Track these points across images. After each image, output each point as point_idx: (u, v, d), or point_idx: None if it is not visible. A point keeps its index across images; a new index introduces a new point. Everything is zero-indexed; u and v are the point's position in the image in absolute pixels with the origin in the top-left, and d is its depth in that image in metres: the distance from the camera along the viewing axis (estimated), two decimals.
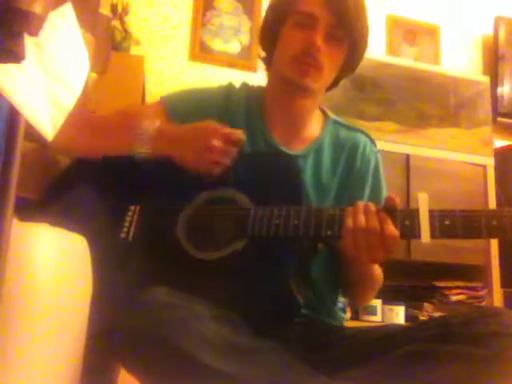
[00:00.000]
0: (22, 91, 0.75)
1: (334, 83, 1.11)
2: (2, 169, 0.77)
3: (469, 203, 2.58)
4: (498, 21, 3.21)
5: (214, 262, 0.90)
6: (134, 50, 2.54)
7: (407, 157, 2.58)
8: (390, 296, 2.34)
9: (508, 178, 2.79)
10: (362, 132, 1.15)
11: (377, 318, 2.40)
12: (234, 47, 2.89)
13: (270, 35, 1.08)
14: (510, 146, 2.99)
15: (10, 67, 0.70)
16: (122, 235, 0.98)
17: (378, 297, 2.29)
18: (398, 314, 2.41)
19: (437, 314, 2.37)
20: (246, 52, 2.89)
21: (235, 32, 2.90)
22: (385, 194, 1.10)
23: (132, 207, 1.01)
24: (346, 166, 1.09)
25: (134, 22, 2.66)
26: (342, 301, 1.11)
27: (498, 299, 2.53)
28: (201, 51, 2.83)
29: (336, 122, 1.15)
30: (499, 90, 3.11)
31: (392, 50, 3.14)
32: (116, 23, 2.39)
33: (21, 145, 0.80)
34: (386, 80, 2.68)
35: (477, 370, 0.72)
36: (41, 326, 0.78)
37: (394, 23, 3.19)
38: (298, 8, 1.02)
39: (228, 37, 2.89)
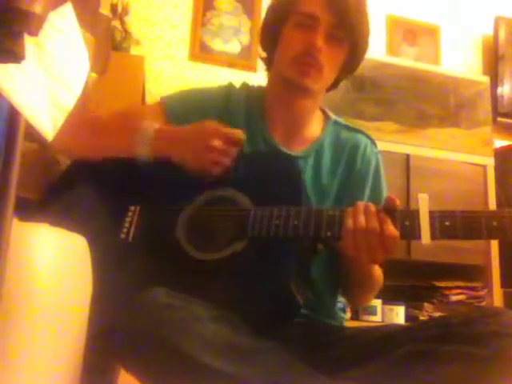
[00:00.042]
0: (21, 91, 0.75)
1: (335, 84, 1.10)
2: (2, 169, 0.77)
3: (469, 203, 2.58)
4: (497, 21, 3.21)
5: (214, 263, 0.90)
6: (134, 50, 2.53)
7: (407, 157, 2.58)
8: (390, 296, 2.34)
9: (508, 178, 2.79)
10: (363, 133, 1.15)
11: (377, 318, 2.40)
12: (234, 47, 2.89)
13: (270, 35, 1.08)
14: (510, 146, 2.99)
15: (9, 67, 0.70)
16: (122, 235, 0.98)
17: (377, 297, 2.29)
18: (398, 314, 2.41)
19: (437, 314, 2.37)
20: (246, 52, 2.89)
21: (235, 32, 2.90)
22: (385, 194, 1.10)
23: (132, 207, 1.01)
24: (347, 167, 1.09)
25: (134, 22, 2.66)
26: (341, 301, 1.11)
27: (498, 299, 2.53)
28: (201, 51, 2.83)
29: (336, 123, 1.15)
30: (499, 89, 3.11)
31: (392, 50, 3.14)
32: (116, 23, 2.39)
33: (21, 145, 0.80)
34: (386, 80, 2.68)
35: (477, 370, 0.72)
36: (41, 326, 0.78)
37: (394, 23, 3.19)
38: (298, 8, 1.01)
39: (228, 37, 2.89)
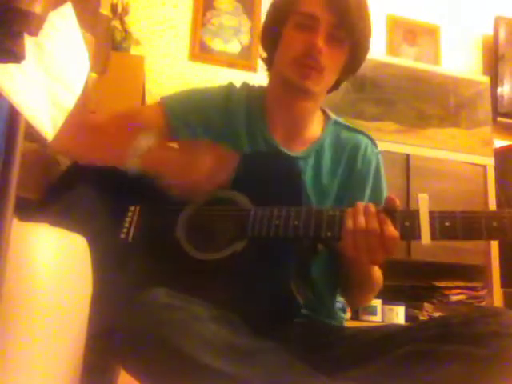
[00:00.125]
0: (22, 91, 0.75)
1: (336, 85, 1.10)
2: (2, 169, 0.77)
3: (469, 203, 2.58)
4: (497, 21, 3.21)
5: (214, 263, 0.90)
6: (134, 50, 2.54)
7: (407, 157, 2.58)
8: (390, 296, 2.34)
9: (508, 178, 2.79)
10: (363, 133, 1.14)
11: (377, 318, 2.40)
12: (233, 47, 2.89)
13: (271, 36, 1.08)
14: (510, 146, 2.99)
15: (9, 67, 0.70)
16: (122, 236, 0.98)
17: (377, 297, 2.29)
18: (398, 314, 2.41)
19: (437, 314, 2.37)
20: (246, 52, 2.89)
21: (235, 32, 2.90)
22: (385, 194, 1.10)
23: (132, 208, 1.02)
24: (347, 168, 1.09)
25: (133, 22, 2.66)
26: (340, 300, 1.11)
27: (498, 299, 2.53)
28: (201, 51, 2.83)
29: (337, 123, 1.14)
30: (499, 89, 3.11)
31: (392, 50, 3.14)
32: (116, 23, 2.39)
33: (21, 145, 0.80)
34: (386, 80, 2.68)
35: (477, 370, 0.72)
36: (41, 326, 0.78)
37: (394, 23, 3.19)
38: (299, 8, 1.01)
39: (228, 37, 2.89)
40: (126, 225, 0.99)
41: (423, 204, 0.81)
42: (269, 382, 0.72)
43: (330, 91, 1.11)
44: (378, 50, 2.96)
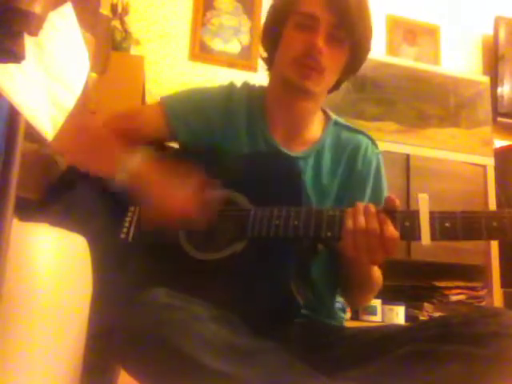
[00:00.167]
0: (21, 91, 0.75)
1: (337, 85, 1.10)
2: (2, 169, 0.77)
3: (469, 203, 2.58)
4: (497, 21, 3.21)
5: (214, 263, 0.90)
6: (134, 50, 2.54)
7: (407, 157, 2.58)
8: (390, 296, 2.34)
9: (508, 178, 2.79)
10: (364, 133, 1.14)
11: (377, 318, 2.40)
12: (233, 47, 2.89)
13: (271, 36, 1.07)
14: (510, 146, 2.99)
15: (9, 67, 0.70)
16: (122, 236, 0.99)
17: (377, 297, 2.29)
18: (398, 314, 2.41)
19: (437, 314, 2.37)
20: (246, 52, 2.89)
21: (235, 32, 2.90)
22: (385, 194, 1.10)
23: (132, 208, 1.01)
24: (347, 168, 1.09)
25: (134, 22, 2.66)
26: (340, 300, 1.11)
27: (498, 299, 2.53)
28: (201, 51, 2.83)
29: (337, 123, 1.14)
30: (499, 89, 3.11)
31: (392, 50, 3.14)
32: (116, 23, 2.39)
33: (21, 145, 0.80)
34: (386, 80, 2.68)
35: (477, 370, 0.72)
36: (41, 326, 0.78)
37: (394, 23, 3.19)
38: (299, 9, 1.01)
39: (228, 37, 2.89)
40: (126, 225, 0.99)
41: (423, 204, 0.81)
42: (269, 382, 0.72)
43: (330, 91, 1.11)
44: (378, 50, 2.95)
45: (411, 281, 2.56)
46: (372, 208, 0.83)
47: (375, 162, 1.11)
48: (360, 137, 1.13)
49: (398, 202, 0.83)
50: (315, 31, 0.98)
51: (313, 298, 0.99)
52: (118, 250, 0.98)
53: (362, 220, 0.82)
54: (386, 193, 1.11)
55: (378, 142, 1.16)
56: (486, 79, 2.90)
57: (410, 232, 0.81)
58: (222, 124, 1.08)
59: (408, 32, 3.21)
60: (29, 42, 0.69)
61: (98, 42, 1.15)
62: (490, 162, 2.70)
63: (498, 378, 0.73)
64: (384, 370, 0.77)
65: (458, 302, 2.49)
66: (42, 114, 0.84)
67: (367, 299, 1.13)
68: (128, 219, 1.00)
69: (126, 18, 2.46)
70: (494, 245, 2.57)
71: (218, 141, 1.07)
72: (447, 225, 0.79)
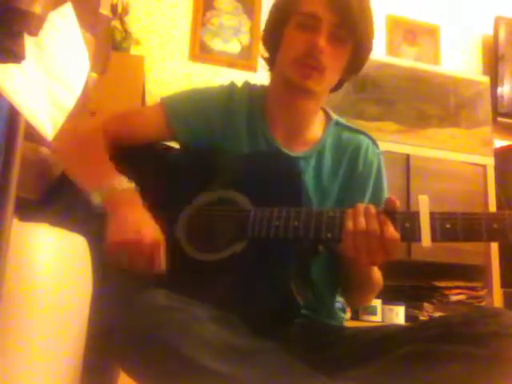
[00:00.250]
0: (21, 91, 0.75)
1: (338, 85, 1.10)
2: (2, 169, 0.77)
3: (469, 203, 2.58)
4: (497, 21, 3.21)
5: (214, 264, 0.90)
6: (134, 50, 2.54)
7: (407, 157, 2.58)
8: (390, 296, 2.34)
9: (508, 178, 2.79)
10: (365, 134, 1.14)
11: (377, 318, 2.40)
12: (233, 47, 2.89)
13: (273, 36, 1.07)
14: (510, 146, 2.99)
15: (9, 67, 0.70)
16: None
17: (377, 297, 2.29)
18: (398, 314, 2.41)
19: (437, 314, 2.37)
20: (246, 52, 2.89)
21: (235, 32, 2.90)
22: (386, 194, 1.10)
23: None
24: (348, 168, 1.09)
25: (134, 22, 2.66)
26: (340, 300, 1.11)
27: (498, 299, 2.53)
28: (201, 51, 2.83)
29: (338, 124, 1.14)
30: (499, 89, 3.11)
31: (392, 50, 3.14)
32: (116, 23, 2.39)
33: (21, 145, 0.80)
34: (386, 80, 2.68)
35: (477, 370, 0.72)
36: (41, 325, 0.78)
37: (394, 23, 3.19)
38: (300, 9, 1.01)
39: (228, 37, 2.89)
40: None
41: (423, 205, 0.81)
42: (268, 383, 0.71)
43: (332, 91, 1.10)
44: (378, 50, 2.95)
45: (411, 281, 2.56)
46: (372, 209, 0.83)
47: (376, 162, 1.11)
48: (361, 137, 1.12)
49: (398, 204, 0.83)
50: (317, 31, 0.98)
51: (313, 299, 0.99)
52: None
53: (362, 221, 0.82)
54: (386, 193, 1.11)
55: (378, 142, 1.16)
56: (486, 79, 2.90)
57: (410, 233, 0.81)
58: (222, 124, 1.08)
59: (408, 32, 3.21)
60: (29, 41, 0.69)
61: (98, 42, 1.15)
62: (490, 161, 2.70)
63: (498, 378, 0.73)
64: (384, 369, 0.77)
65: (458, 301, 2.49)
66: (42, 114, 0.84)
67: (367, 299, 1.13)
68: None
69: (126, 18, 2.46)
70: (494, 245, 2.57)
71: (219, 141, 1.07)
72: (447, 226, 0.79)
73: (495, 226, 0.77)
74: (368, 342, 0.89)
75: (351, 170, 1.09)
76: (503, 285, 2.56)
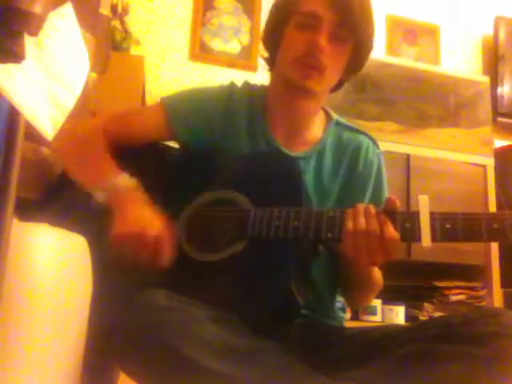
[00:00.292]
0: (21, 91, 0.75)
1: (339, 85, 1.09)
2: (2, 169, 0.77)
3: (469, 203, 2.58)
4: (497, 21, 3.21)
5: (214, 264, 0.90)
6: (134, 50, 2.54)
7: (407, 157, 2.58)
8: (390, 296, 2.34)
9: (508, 178, 2.79)
10: (365, 134, 1.14)
11: (377, 318, 2.40)
12: (234, 47, 2.89)
13: (273, 35, 1.07)
14: (510, 146, 2.99)
15: (9, 67, 0.70)
16: None
17: (378, 297, 2.29)
18: (398, 314, 2.41)
19: (437, 314, 2.37)
20: (246, 52, 2.89)
21: (235, 32, 2.90)
22: (386, 194, 1.10)
23: None
24: (349, 168, 1.09)
25: (134, 22, 2.66)
26: (340, 300, 1.11)
27: (498, 299, 2.53)
28: (201, 51, 2.83)
29: (339, 123, 1.14)
30: (499, 89, 3.11)
31: (392, 50, 3.14)
32: (116, 23, 2.39)
33: (21, 145, 0.80)
34: (386, 80, 2.68)
35: (477, 370, 0.72)
36: (41, 325, 0.78)
37: (394, 23, 3.19)
38: (301, 8, 1.00)
39: (228, 37, 2.89)
40: None
41: (423, 205, 0.81)
42: (268, 383, 0.71)
43: (332, 91, 1.10)
44: (378, 50, 2.95)
45: (411, 281, 2.56)
46: (372, 209, 0.83)
47: (376, 162, 1.11)
48: (361, 137, 1.12)
49: (398, 204, 0.83)
50: (317, 31, 0.98)
51: (313, 298, 0.99)
52: None
53: (362, 221, 0.82)
54: (386, 193, 1.11)
55: (378, 142, 1.16)
56: (486, 79, 2.90)
57: (410, 233, 0.81)
58: (222, 124, 1.08)
59: (408, 32, 3.21)
60: (29, 41, 0.69)
61: (98, 42, 1.15)
62: (490, 162, 2.70)
63: (498, 378, 0.73)
64: (384, 369, 0.77)
65: (458, 301, 2.49)
66: (42, 114, 0.84)
67: (368, 300, 1.13)
68: None
69: (126, 18, 2.46)
70: (494, 245, 2.57)
71: (219, 141, 1.07)
72: (448, 226, 0.79)
73: (495, 226, 0.77)
74: (368, 342, 0.89)
75: (351, 170, 1.09)
76: (503, 285, 2.56)
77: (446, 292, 2.49)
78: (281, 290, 0.86)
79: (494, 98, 2.99)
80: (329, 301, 1.07)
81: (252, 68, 2.84)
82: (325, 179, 1.07)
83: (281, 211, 0.88)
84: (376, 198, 1.06)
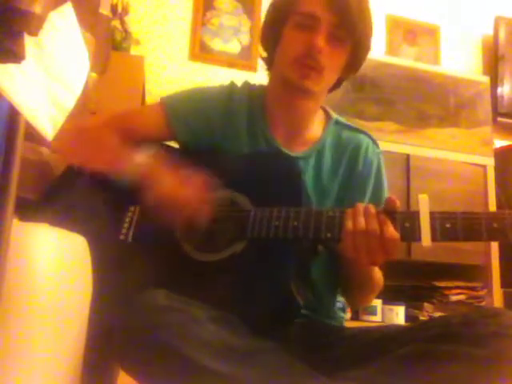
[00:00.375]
0: (21, 91, 0.75)
1: (337, 84, 1.09)
2: (2, 169, 0.77)
3: (469, 203, 2.58)
4: (497, 21, 3.21)
5: (214, 264, 0.90)
6: (134, 50, 2.54)
7: (407, 157, 2.58)
8: (390, 296, 2.34)
9: (508, 178, 2.79)
10: (365, 133, 1.14)
11: (377, 318, 2.40)
12: (233, 47, 2.89)
13: (271, 35, 1.07)
14: (510, 146, 2.99)
15: (9, 67, 0.70)
16: (122, 236, 0.98)
17: (378, 297, 2.28)
18: (398, 314, 2.41)
19: (437, 314, 2.37)
20: (245, 52, 2.89)
21: (235, 32, 2.90)
22: (386, 193, 1.10)
23: (132, 208, 1.01)
24: (348, 168, 1.09)
25: (134, 22, 2.66)
26: (340, 300, 1.11)
27: (498, 299, 2.53)
28: (201, 51, 2.83)
29: (338, 123, 1.14)
30: (499, 89, 3.11)
31: (392, 50, 3.14)
32: (116, 23, 2.39)
33: (21, 145, 0.80)
34: (386, 80, 2.68)
35: (476, 371, 0.72)
36: (41, 326, 0.78)
37: (394, 23, 3.19)
38: (299, 8, 1.01)
39: (228, 37, 2.89)
40: (126, 225, 0.99)
41: (423, 205, 0.80)
42: (268, 383, 0.71)
43: (331, 90, 1.10)
44: (378, 50, 2.95)
45: (411, 281, 2.56)
46: (372, 209, 0.83)
47: (376, 162, 1.11)
48: (361, 136, 1.12)
49: (398, 203, 0.83)
50: (315, 31, 0.98)
51: (313, 299, 0.99)
52: (118, 251, 0.97)
53: (361, 221, 0.82)
54: (386, 193, 1.11)
55: (378, 142, 1.16)
56: (486, 79, 2.90)
57: (410, 233, 0.81)
58: (222, 124, 1.08)
59: (408, 32, 3.21)
60: (29, 41, 0.69)
61: (98, 42, 1.15)
62: (490, 162, 2.70)
63: (498, 378, 0.73)
64: (384, 369, 0.77)
65: (458, 301, 2.49)
66: (42, 114, 0.84)
67: (368, 300, 1.13)
68: (127, 219, 1.00)
69: (126, 18, 2.46)
70: (494, 245, 2.57)
71: (219, 141, 1.07)
72: (448, 226, 0.79)
73: (495, 225, 0.77)
74: (368, 342, 0.89)
75: (351, 169, 1.09)
76: (503, 285, 2.56)
77: (446, 292, 2.49)
78: (280, 290, 0.86)
79: (494, 98, 2.99)
80: (329, 301, 1.07)
81: (252, 68, 2.84)
82: (324, 178, 1.07)
83: (280, 211, 0.88)
84: (376, 198, 1.06)
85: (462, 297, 2.51)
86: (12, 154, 0.78)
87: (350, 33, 1.00)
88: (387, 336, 0.87)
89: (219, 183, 0.97)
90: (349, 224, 0.82)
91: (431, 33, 3.25)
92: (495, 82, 3.08)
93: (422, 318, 2.41)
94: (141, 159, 0.96)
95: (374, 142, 1.14)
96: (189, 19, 2.85)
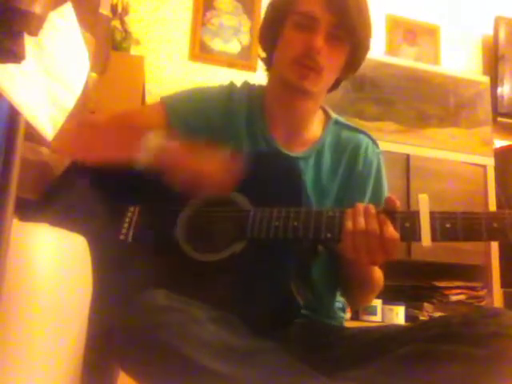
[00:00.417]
0: (21, 91, 0.75)
1: (336, 84, 1.10)
2: (2, 169, 0.77)
3: (469, 203, 2.58)
4: (497, 21, 3.21)
5: (213, 264, 0.90)
6: (134, 50, 2.54)
7: (407, 157, 2.58)
8: (390, 296, 2.34)
9: (508, 178, 2.79)
10: (365, 133, 1.14)
11: (377, 318, 2.40)
12: (233, 47, 2.89)
13: (269, 35, 1.07)
14: (510, 145, 2.99)
15: (9, 67, 0.70)
16: (121, 236, 0.98)
17: (378, 297, 2.29)
18: (398, 314, 2.41)
19: (437, 314, 2.37)
20: (245, 52, 2.89)
21: (235, 32, 2.90)
22: (386, 193, 1.10)
23: (131, 208, 1.01)
24: (348, 168, 1.09)
25: (134, 22, 2.66)
26: (340, 300, 1.11)
27: (498, 299, 2.53)
28: (201, 51, 2.83)
29: (338, 123, 1.14)
30: (499, 89, 3.11)
31: (392, 50, 3.14)
32: (116, 23, 2.39)
33: (21, 145, 0.80)
34: (386, 80, 2.68)
35: (476, 371, 0.72)
36: (41, 326, 0.78)
37: (394, 23, 3.19)
38: (297, 8, 1.01)
39: (228, 37, 2.89)
40: (126, 225, 0.99)
41: (423, 205, 0.80)
42: (268, 383, 0.71)
43: (330, 90, 1.10)
44: (377, 50, 2.96)
45: (411, 281, 2.56)
46: (372, 209, 0.83)
47: (376, 162, 1.11)
48: (361, 136, 1.12)
49: (398, 203, 0.83)
50: (314, 31, 0.98)
51: (313, 299, 0.99)
52: (118, 251, 0.97)
53: (361, 221, 0.82)
54: (386, 192, 1.11)
55: (377, 142, 1.16)
56: (486, 79, 2.90)
57: (410, 233, 0.81)
58: (221, 124, 1.08)
59: (408, 32, 3.21)
60: (29, 42, 0.69)
61: (98, 42, 1.15)
62: (490, 162, 2.71)
63: (498, 378, 0.73)
64: (384, 369, 0.77)
65: (458, 301, 2.49)
66: (42, 114, 0.84)
67: (368, 299, 1.13)
68: (127, 219, 1.00)
69: (126, 18, 2.46)
70: (494, 245, 2.57)
71: (218, 141, 1.07)
72: (448, 225, 0.79)
73: (495, 225, 0.77)
74: (368, 342, 0.89)
75: (351, 169, 1.09)
76: (503, 285, 2.56)
77: (446, 292, 2.49)
78: (280, 290, 0.86)
79: (494, 98, 2.99)
80: (329, 301, 1.07)
81: (252, 68, 2.84)
82: (324, 178, 1.07)
83: (280, 211, 0.88)
84: (376, 198, 1.06)
85: (462, 297, 2.51)
86: (12, 153, 0.78)
87: (349, 33, 0.99)
88: (387, 336, 0.87)
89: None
90: (349, 224, 0.82)
91: (431, 33, 3.25)
92: (495, 81, 3.08)
93: (422, 317, 2.41)
94: (153, 143, 0.96)
95: (374, 142, 1.14)
96: (189, 19, 2.85)
